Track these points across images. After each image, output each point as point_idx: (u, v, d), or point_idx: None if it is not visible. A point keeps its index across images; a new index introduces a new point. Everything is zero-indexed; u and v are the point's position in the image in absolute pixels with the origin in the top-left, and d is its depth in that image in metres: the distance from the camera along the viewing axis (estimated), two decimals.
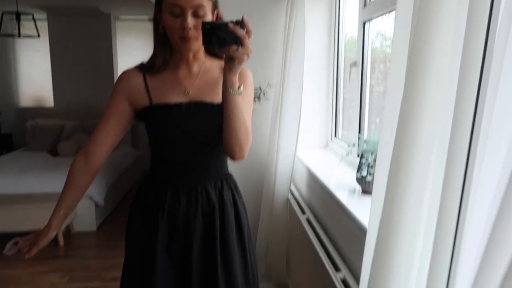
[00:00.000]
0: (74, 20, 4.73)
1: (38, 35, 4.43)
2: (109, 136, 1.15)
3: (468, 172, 0.67)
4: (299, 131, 2.11)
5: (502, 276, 0.41)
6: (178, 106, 1.12)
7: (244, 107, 1.10)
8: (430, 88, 0.68)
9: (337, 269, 1.34)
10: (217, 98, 1.11)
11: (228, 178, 1.24)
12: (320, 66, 2.37)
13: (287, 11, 2.17)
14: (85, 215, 3.37)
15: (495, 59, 0.61)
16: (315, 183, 1.84)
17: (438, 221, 0.69)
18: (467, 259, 0.65)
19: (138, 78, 1.15)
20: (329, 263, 1.39)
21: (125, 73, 1.18)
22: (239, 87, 1.05)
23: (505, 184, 0.42)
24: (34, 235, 1.08)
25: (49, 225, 1.09)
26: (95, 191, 3.31)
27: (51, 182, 3.23)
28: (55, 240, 3.15)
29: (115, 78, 5.03)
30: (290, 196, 2.17)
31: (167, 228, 1.15)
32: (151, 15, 1.16)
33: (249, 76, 1.19)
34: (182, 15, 1.03)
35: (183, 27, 1.02)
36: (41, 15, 4.68)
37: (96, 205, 3.40)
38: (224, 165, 1.25)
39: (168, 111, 1.12)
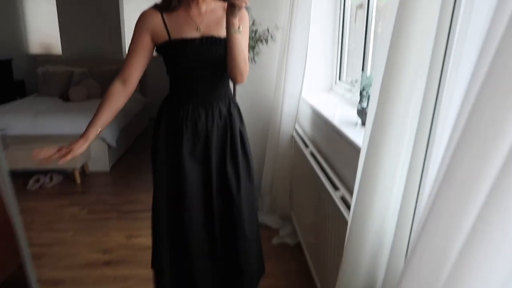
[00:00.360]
0: None
1: None
2: (139, 66, 1.36)
3: (436, 109, 0.83)
4: (304, 73, 2.21)
5: (458, 183, 0.54)
6: (193, 40, 1.34)
7: (243, 42, 1.34)
8: (415, 37, 0.79)
9: (336, 188, 1.50)
10: (222, 33, 1.34)
11: (232, 99, 1.51)
12: (327, 9, 2.41)
13: None
14: (99, 157, 3.55)
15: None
16: (319, 119, 1.97)
17: (414, 144, 0.86)
18: (432, 172, 0.83)
19: (157, 16, 1.34)
20: (329, 184, 1.55)
21: (145, 12, 1.36)
22: (238, 27, 1.27)
23: (464, 120, 0.53)
24: (68, 146, 1.22)
25: (84, 137, 1.25)
26: (108, 134, 3.48)
27: (65, 125, 3.40)
28: (72, 178, 3.37)
29: (122, 25, 5.04)
30: (294, 133, 2.31)
31: (191, 136, 1.40)
32: None
33: (246, 16, 1.41)
34: None
35: None
36: None
37: (109, 147, 3.58)
38: (229, 88, 1.51)
39: (185, 45, 1.34)
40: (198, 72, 1.37)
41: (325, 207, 1.59)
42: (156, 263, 1.56)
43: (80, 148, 1.23)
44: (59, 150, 1.21)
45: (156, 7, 1.35)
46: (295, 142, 2.25)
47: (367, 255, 0.97)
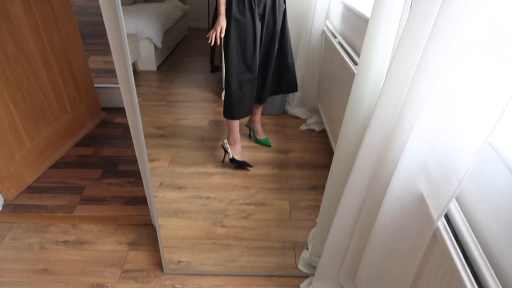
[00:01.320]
0: None
1: None
2: None
3: None
4: None
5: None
6: None
7: None
8: None
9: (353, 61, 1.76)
10: None
11: None
12: None
13: None
14: (146, 56, 3.91)
15: None
16: (348, 12, 2.16)
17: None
18: None
19: None
20: (353, 64, 1.81)
21: None
22: None
23: None
24: (215, 27, 1.90)
25: (223, 15, 1.89)
26: (154, 34, 3.78)
27: None
28: None
29: None
30: (325, 28, 2.52)
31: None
32: None
33: None
34: None
35: None
36: None
37: (155, 47, 3.91)
38: None
39: None
40: None
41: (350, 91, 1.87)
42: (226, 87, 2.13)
43: (224, 22, 1.89)
44: (215, 30, 1.90)
45: None
46: (326, 36, 2.47)
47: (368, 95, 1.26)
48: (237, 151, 2.29)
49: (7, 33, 1.85)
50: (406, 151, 0.90)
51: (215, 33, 1.91)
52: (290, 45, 2.21)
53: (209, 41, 1.96)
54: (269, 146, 2.54)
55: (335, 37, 2.31)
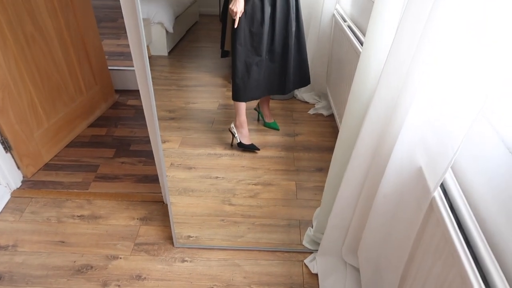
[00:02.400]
0: None
1: None
2: None
3: None
4: None
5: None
6: None
7: None
8: None
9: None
10: None
11: None
12: None
13: None
14: (158, 41, 3.96)
15: None
16: None
17: None
18: None
19: None
20: (361, 46, 1.84)
21: None
22: None
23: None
24: (233, 5, 1.91)
25: None
26: (165, 19, 3.83)
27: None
28: None
29: None
30: (335, 12, 2.53)
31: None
32: None
33: None
34: None
35: None
36: None
37: (167, 32, 3.95)
38: None
39: None
40: None
41: None
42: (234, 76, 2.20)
43: (242, 4, 1.93)
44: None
45: None
46: (335, 19, 2.48)
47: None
48: (244, 134, 2.35)
49: (26, 13, 1.92)
50: (406, 126, 0.94)
51: (235, 12, 1.92)
52: (304, 38, 2.25)
53: (233, 17, 2.01)
54: (277, 129, 2.58)
55: (344, 20, 2.33)
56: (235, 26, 1.98)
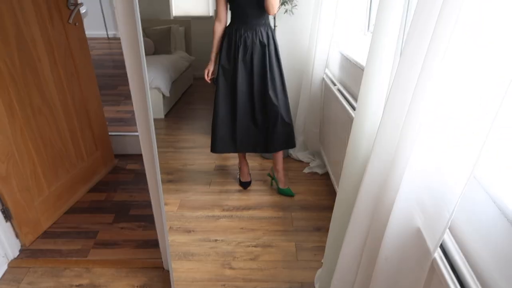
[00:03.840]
0: None
1: None
2: (224, 10, 2.24)
3: None
4: (335, 23, 2.56)
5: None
6: None
7: None
8: None
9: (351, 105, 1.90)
10: None
11: (271, 28, 2.27)
12: None
13: None
14: (155, 105, 4.10)
15: None
16: (345, 61, 2.35)
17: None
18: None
19: None
20: (352, 109, 1.96)
21: None
22: None
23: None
24: (207, 69, 2.33)
25: (212, 60, 2.33)
26: (162, 84, 4.00)
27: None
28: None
29: None
30: (325, 76, 2.70)
31: (243, 47, 2.23)
32: None
33: None
34: None
35: None
36: None
37: (163, 96, 4.11)
38: (267, 19, 2.25)
39: None
40: (247, 7, 2.15)
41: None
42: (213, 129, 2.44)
43: (212, 67, 2.33)
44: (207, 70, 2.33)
45: None
46: (325, 83, 2.64)
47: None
48: (243, 173, 2.70)
49: (35, 87, 2.02)
50: (402, 189, 1.00)
51: (206, 72, 2.34)
52: (286, 100, 2.39)
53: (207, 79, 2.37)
54: (292, 196, 2.57)
55: (334, 84, 2.48)
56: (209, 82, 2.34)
